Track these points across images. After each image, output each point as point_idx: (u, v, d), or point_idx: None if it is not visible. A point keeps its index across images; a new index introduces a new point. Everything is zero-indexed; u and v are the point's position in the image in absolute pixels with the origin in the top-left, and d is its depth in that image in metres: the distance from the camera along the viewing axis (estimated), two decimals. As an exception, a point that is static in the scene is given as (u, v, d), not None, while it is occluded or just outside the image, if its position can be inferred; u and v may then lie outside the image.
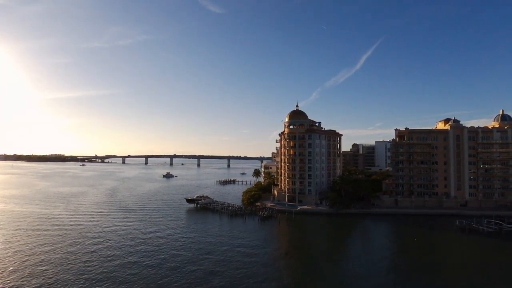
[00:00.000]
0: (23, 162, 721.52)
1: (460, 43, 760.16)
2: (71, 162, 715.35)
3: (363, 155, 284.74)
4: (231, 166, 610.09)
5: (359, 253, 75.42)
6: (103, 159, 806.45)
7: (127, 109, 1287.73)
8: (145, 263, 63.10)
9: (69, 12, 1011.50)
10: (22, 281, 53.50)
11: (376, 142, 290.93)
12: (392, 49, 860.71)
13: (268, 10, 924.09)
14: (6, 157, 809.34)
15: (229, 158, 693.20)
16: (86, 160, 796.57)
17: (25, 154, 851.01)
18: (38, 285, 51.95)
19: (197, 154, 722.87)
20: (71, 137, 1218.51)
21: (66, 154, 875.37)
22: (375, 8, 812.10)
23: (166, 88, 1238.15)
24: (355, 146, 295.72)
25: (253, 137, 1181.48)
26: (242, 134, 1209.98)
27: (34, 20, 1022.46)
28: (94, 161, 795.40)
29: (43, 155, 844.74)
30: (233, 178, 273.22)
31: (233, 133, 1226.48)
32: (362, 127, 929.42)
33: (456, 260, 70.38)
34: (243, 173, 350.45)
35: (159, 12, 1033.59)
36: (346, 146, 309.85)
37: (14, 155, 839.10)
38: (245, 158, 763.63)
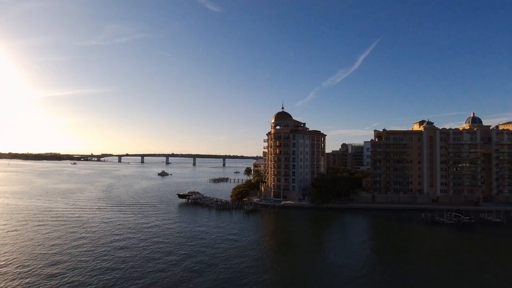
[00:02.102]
0: (19, 160, 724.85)
1: (459, 43, 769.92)
2: (67, 161, 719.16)
3: (352, 154, 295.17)
4: (226, 165, 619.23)
5: (335, 241, 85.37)
6: (99, 157, 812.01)
7: (124, 108, 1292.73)
8: (138, 249, 72.14)
9: (66, 10, 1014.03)
10: (37, 265, 62.48)
11: (364, 142, 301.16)
12: (389, 50, 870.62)
13: (266, 9, 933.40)
14: (1, 156, 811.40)
15: (224, 157, 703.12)
16: (82, 159, 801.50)
17: (20, 152, 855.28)
18: (53, 269, 60.94)
19: (193, 153, 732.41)
20: (67, 136, 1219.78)
21: (62, 153, 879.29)
22: (373, 8, 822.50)
23: (164, 86, 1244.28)
24: (344, 146, 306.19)
25: (250, 136, 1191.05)
26: (239, 134, 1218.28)
27: (29, 17, 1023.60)
28: (90, 160, 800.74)
29: (38, 154, 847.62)
30: (225, 177, 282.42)
31: (231, 132, 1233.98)
32: (359, 127, 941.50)
33: (416, 245, 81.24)
34: (236, 172, 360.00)
35: (156, 10, 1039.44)
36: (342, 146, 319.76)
37: (9, 153, 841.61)
38: (242, 157, 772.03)
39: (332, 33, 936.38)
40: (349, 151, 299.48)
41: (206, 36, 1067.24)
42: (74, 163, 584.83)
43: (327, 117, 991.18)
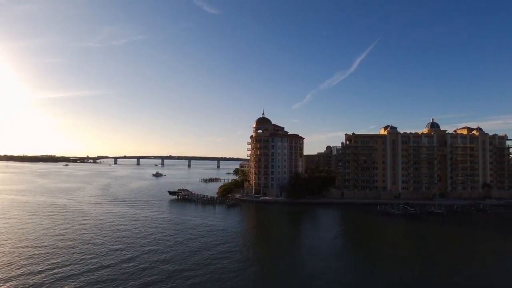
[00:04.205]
0: (16, 162, 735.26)
1: (456, 45, 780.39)
2: (63, 163, 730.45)
3: (336, 156, 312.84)
4: (221, 167, 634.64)
5: (304, 227, 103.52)
6: (95, 159, 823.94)
7: (120, 110, 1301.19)
8: (134, 234, 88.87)
9: (63, 11, 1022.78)
10: (56, 246, 79.11)
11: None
12: (386, 52, 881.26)
13: (263, 12, 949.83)
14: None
15: (219, 159, 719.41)
16: (79, 161, 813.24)
17: (16, 154, 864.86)
18: (68, 247, 77.60)
19: (189, 155, 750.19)
20: (63, 138, 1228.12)
21: (58, 155, 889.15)
22: (369, 10, 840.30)
23: (161, 88, 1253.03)
24: (328, 148, 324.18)
25: (248, 138, 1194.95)
26: (237, 136, 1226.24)
27: (26, 19, 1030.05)
28: (86, 162, 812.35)
29: (34, 156, 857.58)
30: (216, 177, 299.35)
31: (229, 134, 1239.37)
32: (355, 129, 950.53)
33: (369, 230, 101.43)
34: (228, 173, 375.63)
35: (154, 12, 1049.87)
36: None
37: (5, 155, 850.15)
38: (238, 159, 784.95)
39: (329, 35, 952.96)
40: (333, 153, 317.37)
41: (204, 38, 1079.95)
42: (66, 165, 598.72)
43: (323, 119, 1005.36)
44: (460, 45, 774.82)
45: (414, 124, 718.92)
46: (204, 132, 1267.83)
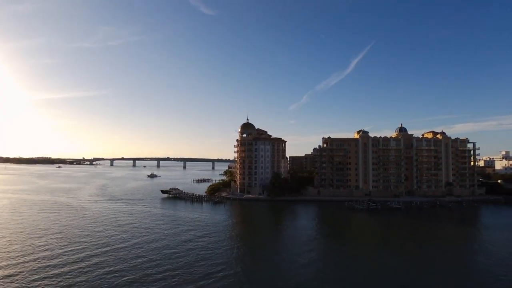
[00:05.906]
0: (12, 164, 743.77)
1: (454, 44, 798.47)
2: (57, 165, 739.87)
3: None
4: (215, 168, 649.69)
5: (282, 219, 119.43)
6: (91, 161, 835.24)
7: (117, 111, 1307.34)
8: (130, 226, 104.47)
9: (59, 12, 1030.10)
10: (65, 234, 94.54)
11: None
12: (383, 53, 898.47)
13: (259, 13, 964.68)
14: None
15: (213, 160, 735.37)
16: (75, 163, 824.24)
17: (12, 156, 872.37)
18: (76, 235, 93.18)
19: (185, 157, 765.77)
20: (59, 139, 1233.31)
21: (53, 157, 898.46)
22: (366, 12, 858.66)
23: (158, 89, 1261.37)
24: (315, 150, 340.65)
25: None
26: (233, 137, 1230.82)
27: (22, 19, 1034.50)
28: (82, 164, 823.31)
29: (31, 158, 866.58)
30: (208, 178, 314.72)
31: (226, 135, 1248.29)
32: (352, 130, 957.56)
33: (337, 221, 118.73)
34: (221, 174, 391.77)
35: (151, 12, 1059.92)
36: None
37: (1, 157, 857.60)
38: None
39: (326, 37, 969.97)
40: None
41: (200, 39, 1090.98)
42: (59, 167, 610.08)
43: (320, 119, 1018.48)
44: (461, 45, 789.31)
45: (413, 125, 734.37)
46: (202, 133, 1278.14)
